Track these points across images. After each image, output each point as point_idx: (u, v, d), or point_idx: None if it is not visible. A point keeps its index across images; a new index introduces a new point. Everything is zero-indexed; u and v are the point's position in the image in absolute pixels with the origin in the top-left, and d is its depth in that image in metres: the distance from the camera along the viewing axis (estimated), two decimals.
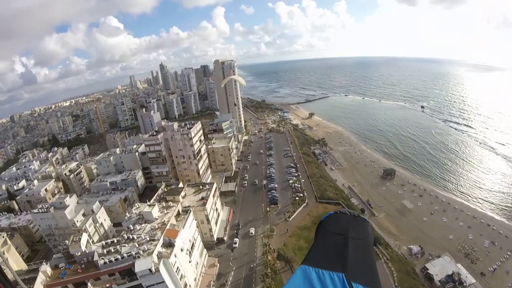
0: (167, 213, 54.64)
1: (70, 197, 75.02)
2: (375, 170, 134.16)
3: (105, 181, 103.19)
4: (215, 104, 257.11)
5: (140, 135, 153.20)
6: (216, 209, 74.70)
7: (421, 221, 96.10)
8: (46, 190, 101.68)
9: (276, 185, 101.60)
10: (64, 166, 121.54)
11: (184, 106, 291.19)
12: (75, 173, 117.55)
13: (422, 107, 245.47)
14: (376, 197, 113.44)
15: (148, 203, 59.94)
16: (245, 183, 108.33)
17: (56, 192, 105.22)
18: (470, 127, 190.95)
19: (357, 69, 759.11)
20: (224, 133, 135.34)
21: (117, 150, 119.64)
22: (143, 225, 51.26)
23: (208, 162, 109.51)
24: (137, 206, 58.13)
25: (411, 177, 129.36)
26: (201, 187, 75.74)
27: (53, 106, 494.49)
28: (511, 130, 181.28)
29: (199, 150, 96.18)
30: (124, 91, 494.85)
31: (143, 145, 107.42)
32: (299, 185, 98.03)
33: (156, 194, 73.20)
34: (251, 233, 76.47)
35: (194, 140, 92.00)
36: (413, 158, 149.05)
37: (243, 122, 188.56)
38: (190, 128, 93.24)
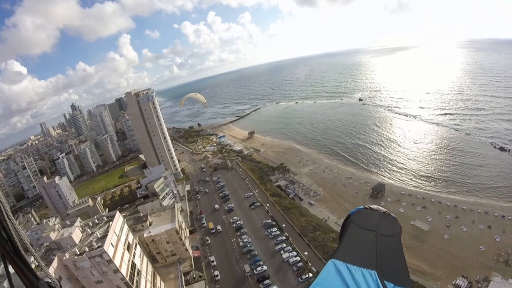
0: None
1: None
2: (359, 189, 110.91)
3: None
4: (138, 144, 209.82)
5: (44, 221, 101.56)
6: None
7: (443, 241, 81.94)
8: None
9: (266, 268, 66.62)
10: None
11: (101, 153, 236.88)
12: None
13: (360, 99, 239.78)
14: None
15: None
16: (217, 276, 69.50)
17: None
18: (412, 115, 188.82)
19: (273, 74, 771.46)
20: (161, 197, 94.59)
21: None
22: None
23: (150, 254, 69.82)
24: None
25: (400, 186, 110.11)
26: None
27: None
28: (448, 107, 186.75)
29: (133, 265, 52.13)
30: (37, 142, 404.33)
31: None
32: (298, 258, 65.16)
33: None
34: None
35: (117, 260, 47.33)
36: (384, 163, 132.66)
37: (178, 166, 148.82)
38: (103, 239, 47.93)
